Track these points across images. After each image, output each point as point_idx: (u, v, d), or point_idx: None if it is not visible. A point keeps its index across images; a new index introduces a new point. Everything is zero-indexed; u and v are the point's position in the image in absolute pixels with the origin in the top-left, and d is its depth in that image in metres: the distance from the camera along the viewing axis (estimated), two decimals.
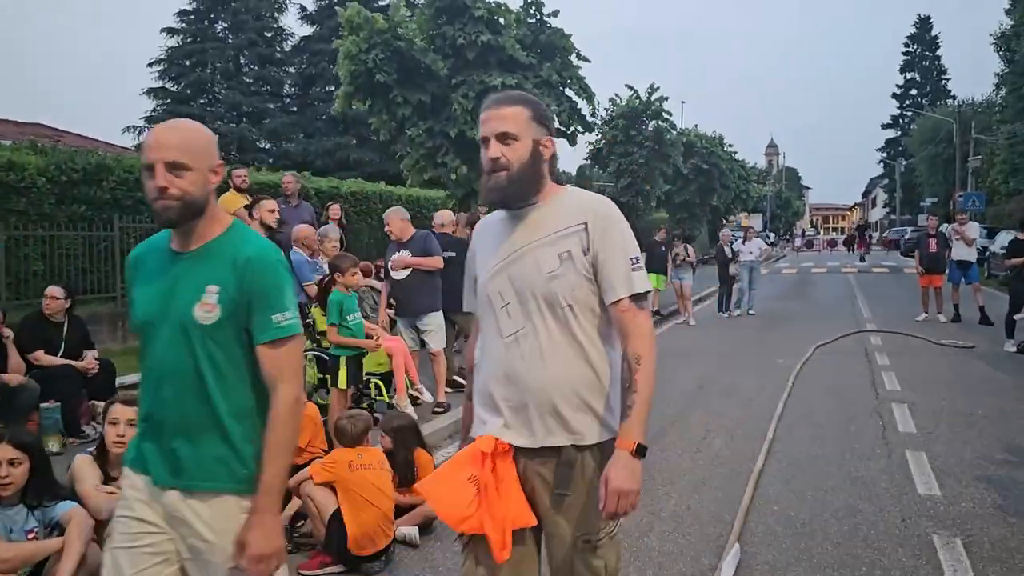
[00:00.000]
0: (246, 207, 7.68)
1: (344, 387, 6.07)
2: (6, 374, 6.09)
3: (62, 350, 6.58)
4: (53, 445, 6.07)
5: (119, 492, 3.69)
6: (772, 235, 59.75)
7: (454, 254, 8.63)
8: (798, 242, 64.84)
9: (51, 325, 6.61)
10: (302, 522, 4.63)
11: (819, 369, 10.15)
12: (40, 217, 11.27)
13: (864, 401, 8.22)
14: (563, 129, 15.25)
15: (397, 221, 7.47)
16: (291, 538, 4.59)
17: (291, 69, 40.03)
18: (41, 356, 6.42)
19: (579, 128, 15.45)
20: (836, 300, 19.70)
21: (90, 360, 6.61)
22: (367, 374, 7.00)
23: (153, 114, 37.47)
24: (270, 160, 35.26)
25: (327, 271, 7.54)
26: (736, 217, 48.45)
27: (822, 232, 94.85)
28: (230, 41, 38.28)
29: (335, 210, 10.19)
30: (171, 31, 37.63)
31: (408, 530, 4.57)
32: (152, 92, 37.60)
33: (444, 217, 9.37)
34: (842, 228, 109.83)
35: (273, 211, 6.74)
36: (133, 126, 37.54)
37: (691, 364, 10.69)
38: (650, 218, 27.48)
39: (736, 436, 6.93)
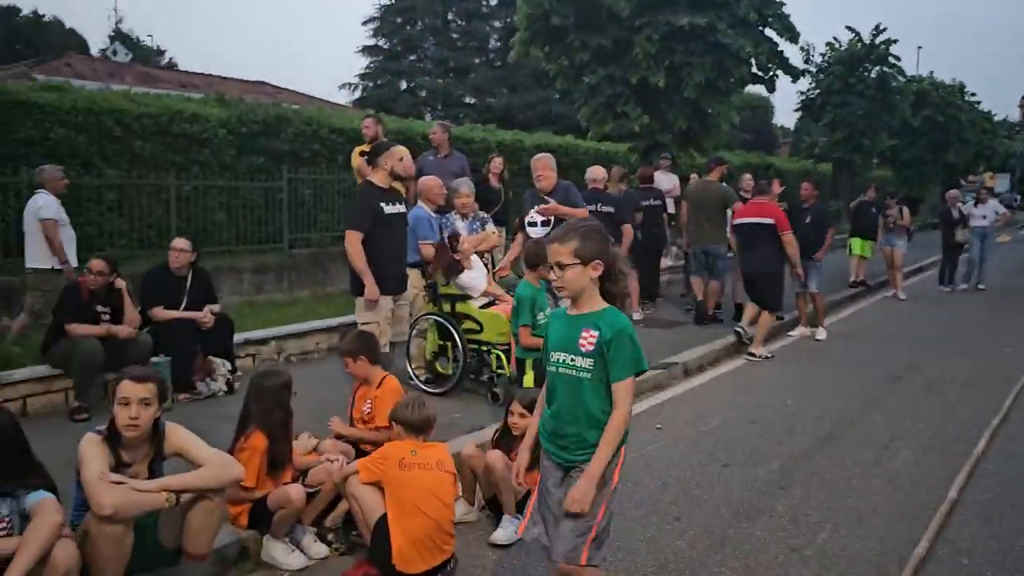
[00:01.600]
0: (362, 153, 7.14)
1: None
2: (118, 326, 5.95)
3: (184, 304, 6.39)
4: None
5: (129, 482, 3.25)
6: (1019, 198, 52.62)
7: (612, 210, 8.13)
8: None
9: (175, 279, 6.42)
10: None
11: None
12: (221, 168, 11.51)
13: None
14: (760, 74, 13.57)
15: (547, 168, 6.67)
16: (346, 540, 3.99)
17: (496, 23, 39.91)
18: (159, 312, 6.25)
19: (777, 73, 13.68)
20: None
21: (205, 313, 6.37)
22: (485, 344, 6.29)
23: (367, 71, 38.90)
24: (474, 115, 35.54)
25: (456, 228, 6.89)
26: (978, 176, 42.94)
27: None
28: None
29: (496, 163, 9.51)
30: None
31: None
32: (366, 49, 38.95)
33: (596, 173, 8.84)
34: None
35: (402, 159, 6.10)
36: (349, 83, 39.23)
37: (892, 347, 9.07)
38: (869, 175, 24.67)
39: (931, 448, 5.52)
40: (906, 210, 13.14)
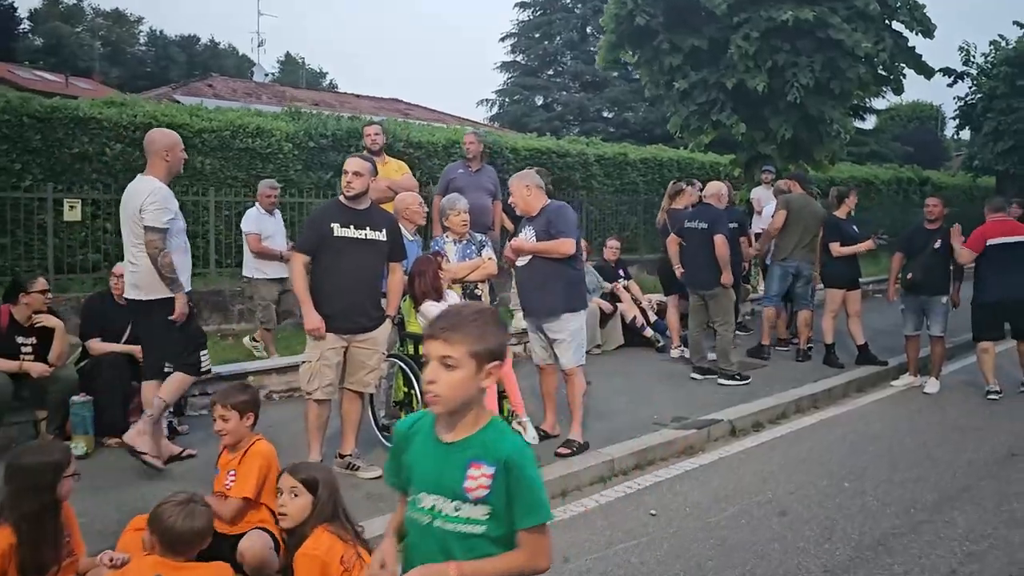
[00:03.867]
0: None
1: None
2: (36, 363, 5.31)
3: (126, 336, 5.70)
4: (78, 447, 5.20)
5: None
6: None
7: (704, 226, 7.65)
8: None
9: (118, 307, 5.76)
10: None
11: None
12: (287, 184, 11.07)
13: None
14: (885, 74, 11.65)
15: (519, 189, 5.49)
16: None
17: None
18: (94, 344, 5.60)
19: (904, 72, 11.68)
20: None
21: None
22: None
23: (503, 87, 38.67)
24: (610, 129, 34.56)
25: (444, 250, 5.87)
26: None
27: None
28: (577, 11, 38.16)
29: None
30: (523, 5, 38.40)
31: None
32: (504, 66, 38.80)
33: (710, 188, 8.15)
34: None
35: (347, 173, 5.10)
36: (486, 99, 39.18)
37: (1016, 412, 7.14)
38: None
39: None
40: None
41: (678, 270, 8.17)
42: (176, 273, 4.86)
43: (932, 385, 7.78)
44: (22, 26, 43.92)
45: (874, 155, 29.42)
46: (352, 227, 5.01)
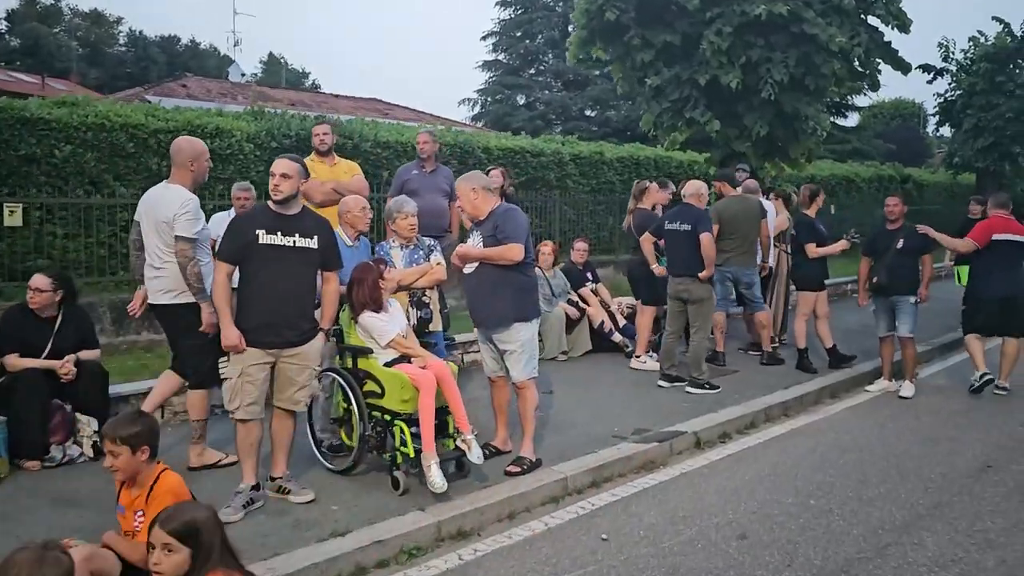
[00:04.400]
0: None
1: None
2: None
3: (47, 351, 5.34)
4: None
5: None
6: None
7: (689, 227, 7.31)
8: None
9: (38, 321, 5.40)
10: None
11: None
12: None
13: None
14: (861, 70, 11.39)
15: (465, 191, 5.16)
16: None
17: None
18: (11, 360, 5.24)
19: (880, 68, 11.42)
20: None
21: (64, 362, 5.27)
22: (390, 413, 4.86)
23: (485, 86, 38.38)
24: (593, 127, 34.31)
25: (390, 257, 5.55)
26: None
27: None
28: (558, 9, 37.98)
29: (494, 176, 7.96)
30: (504, 4, 38.14)
31: None
32: (486, 65, 38.52)
33: (687, 187, 7.76)
34: None
35: (274, 175, 4.77)
36: (467, 98, 38.88)
37: (998, 415, 6.89)
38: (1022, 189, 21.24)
39: None
40: None
41: (656, 269, 7.80)
42: (203, 283, 4.90)
43: (907, 389, 7.51)
44: None
45: (856, 152, 29.29)
46: (279, 234, 4.64)
